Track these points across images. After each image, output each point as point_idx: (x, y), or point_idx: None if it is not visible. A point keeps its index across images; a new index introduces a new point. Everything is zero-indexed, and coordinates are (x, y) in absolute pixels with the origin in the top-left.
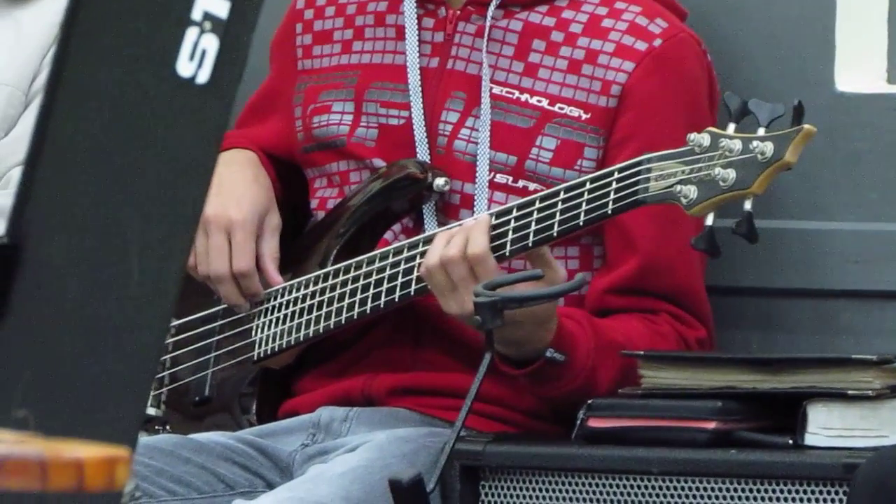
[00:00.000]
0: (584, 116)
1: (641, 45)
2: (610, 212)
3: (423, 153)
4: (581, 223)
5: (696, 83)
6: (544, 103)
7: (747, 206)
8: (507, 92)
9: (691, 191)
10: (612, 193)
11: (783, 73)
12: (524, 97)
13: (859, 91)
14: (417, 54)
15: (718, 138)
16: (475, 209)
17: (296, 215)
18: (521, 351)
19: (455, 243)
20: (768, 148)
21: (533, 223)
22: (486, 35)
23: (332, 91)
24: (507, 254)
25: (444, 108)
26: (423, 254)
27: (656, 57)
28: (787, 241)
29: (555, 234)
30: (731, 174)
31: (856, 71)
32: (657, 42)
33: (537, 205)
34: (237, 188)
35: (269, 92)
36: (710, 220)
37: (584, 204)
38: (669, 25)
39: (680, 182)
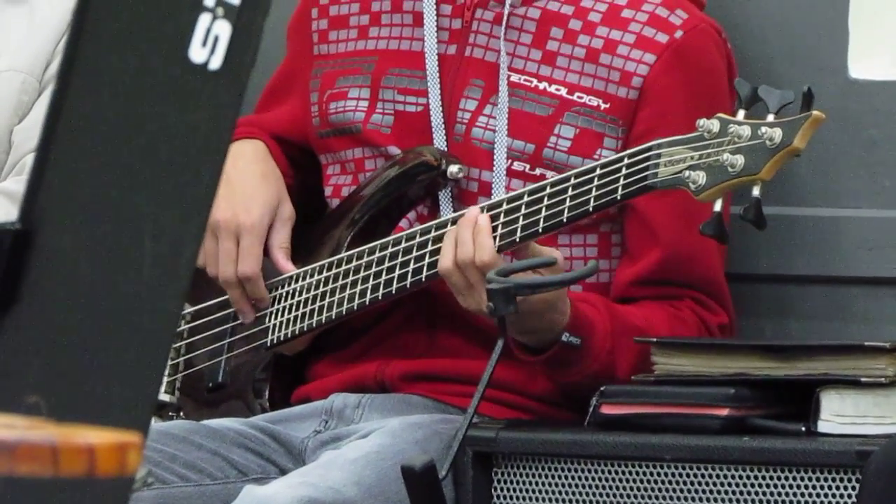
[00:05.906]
0: (603, 106)
1: (662, 38)
2: (619, 197)
3: (439, 140)
4: (591, 209)
5: (717, 74)
6: (563, 92)
7: (755, 192)
8: (525, 80)
9: (700, 176)
10: (622, 179)
11: (796, 61)
12: (542, 85)
13: (872, 78)
14: (435, 41)
15: (728, 124)
16: (493, 196)
17: (311, 201)
18: (536, 338)
19: (465, 244)
20: (777, 134)
21: (543, 209)
22: (503, 22)
23: (350, 77)
24: (518, 240)
25: (462, 95)
26: (435, 239)
27: (677, 49)
28: (801, 228)
29: (564, 220)
30: (739, 160)
31: (869, 58)
32: (678, 34)
33: (548, 190)
34: (246, 188)
35: (285, 76)
36: (718, 206)
37: (594, 190)
38: (690, 16)
39: (689, 168)
